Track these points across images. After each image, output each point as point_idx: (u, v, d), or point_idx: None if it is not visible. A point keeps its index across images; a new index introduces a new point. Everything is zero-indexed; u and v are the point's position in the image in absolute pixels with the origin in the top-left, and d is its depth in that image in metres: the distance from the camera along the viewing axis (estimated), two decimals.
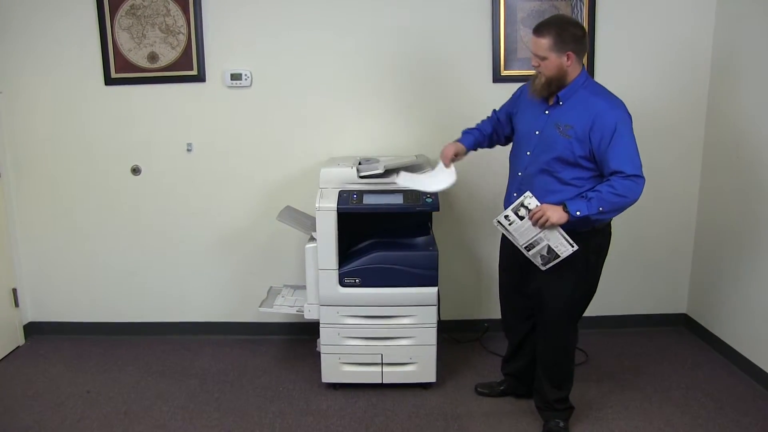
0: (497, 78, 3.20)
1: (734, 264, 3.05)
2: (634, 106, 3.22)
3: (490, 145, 2.64)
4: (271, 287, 3.24)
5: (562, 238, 2.21)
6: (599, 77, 3.20)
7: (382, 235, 2.84)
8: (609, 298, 3.44)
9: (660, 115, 3.25)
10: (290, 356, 3.23)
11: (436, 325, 2.76)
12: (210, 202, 3.36)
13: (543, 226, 2.20)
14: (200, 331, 3.48)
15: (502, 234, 2.49)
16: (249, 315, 3.41)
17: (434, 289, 2.71)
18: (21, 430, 2.58)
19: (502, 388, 2.76)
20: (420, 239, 2.82)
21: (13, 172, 3.36)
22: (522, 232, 2.27)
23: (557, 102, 2.26)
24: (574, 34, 2.19)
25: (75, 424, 2.64)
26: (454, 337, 3.35)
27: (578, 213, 2.15)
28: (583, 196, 2.18)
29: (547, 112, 2.30)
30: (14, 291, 3.37)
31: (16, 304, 3.38)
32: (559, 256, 2.23)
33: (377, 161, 2.87)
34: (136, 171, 3.33)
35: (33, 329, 3.51)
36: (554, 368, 2.47)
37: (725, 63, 3.11)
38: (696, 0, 3.16)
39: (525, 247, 2.29)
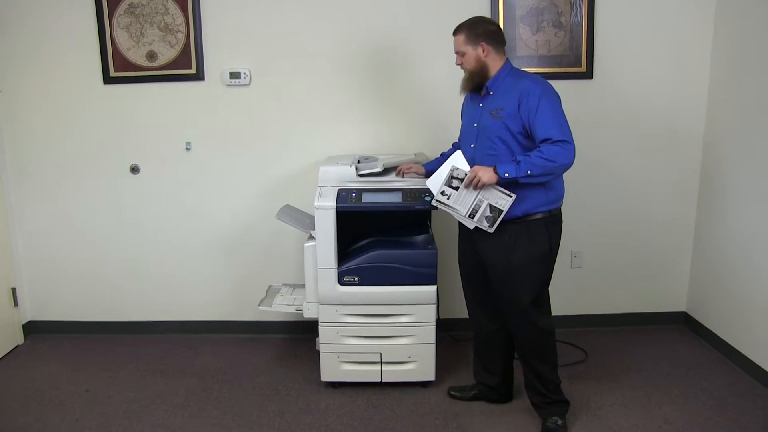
0: None
1: (733, 262, 3.05)
2: (633, 104, 3.26)
3: None
4: (270, 286, 3.24)
5: (498, 191, 2.31)
6: (598, 76, 3.21)
7: (381, 234, 2.84)
8: (608, 297, 3.45)
9: (659, 114, 3.25)
10: (289, 355, 3.24)
11: (435, 323, 2.76)
12: (209, 200, 3.36)
13: (477, 187, 2.31)
14: (199, 330, 3.48)
15: (459, 239, 2.59)
16: (248, 314, 3.40)
17: (433, 288, 2.71)
18: (20, 429, 2.59)
19: (474, 392, 2.75)
20: (419, 237, 2.82)
21: (12, 171, 3.36)
22: (462, 202, 2.37)
23: (487, 92, 2.41)
24: (486, 28, 2.39)
25: (74, 423, 2.64)
26: (453, 335, 3.34)
27: (506, 174, 2.26)
28: (514, 160, 2.28)
29: (481, 104, 2.43)
30: (13, 290, 3.37)
31: (16, 303, 3.38)
32: (502, 211, 2.32)
33: (376, 159, 2.87)
34: (134, 170, 3.33)
35: (32, 328, 3.51)
36: (536, 361, 2.48)
37: (725, 62, 3.10)
38: None
39: (469, 216, 2.37)
